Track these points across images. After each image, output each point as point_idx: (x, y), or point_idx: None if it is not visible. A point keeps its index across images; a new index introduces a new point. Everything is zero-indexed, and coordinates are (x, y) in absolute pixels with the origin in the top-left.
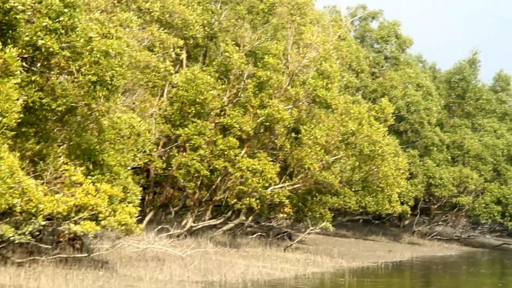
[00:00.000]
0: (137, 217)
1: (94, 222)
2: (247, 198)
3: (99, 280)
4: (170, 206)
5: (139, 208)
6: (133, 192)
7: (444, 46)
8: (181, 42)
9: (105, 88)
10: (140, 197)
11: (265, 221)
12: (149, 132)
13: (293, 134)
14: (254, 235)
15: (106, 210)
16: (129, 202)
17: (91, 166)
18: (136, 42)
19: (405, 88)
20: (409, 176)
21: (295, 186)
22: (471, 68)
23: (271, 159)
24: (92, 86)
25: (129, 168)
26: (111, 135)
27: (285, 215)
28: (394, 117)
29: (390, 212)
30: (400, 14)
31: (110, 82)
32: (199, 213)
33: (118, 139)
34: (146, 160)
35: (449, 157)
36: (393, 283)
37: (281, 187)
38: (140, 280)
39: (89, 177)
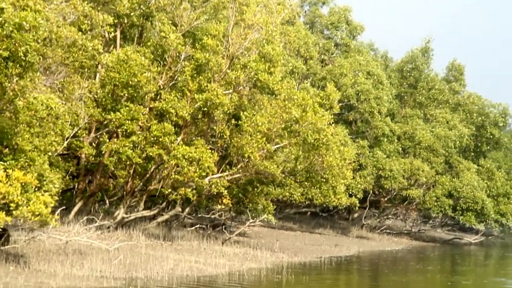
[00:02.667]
0: (65, 207)
1: (5, 212)
2: (183, 188)
3: (7, 276)
4: (104, 196)
5: (56, 198)
6: (50, 180)
7: (394, 34)
8: (110, 20)
9: (18, 65)
10: (57, 185)
11: (204, 213)
12: (77, 115)
13: (233, 121)
14: (193, 228)
15: (19, 199)
16: (45, 191)
17: (4, 151)
18: (61, 17)
19: (355, 76)
20: (358, 167)
21: (235, 176)
22: (424, 57)
23: (210, 147)
24: (4, 63)
25: (50, 154)
26: (26, 117)
27: (223, 207)
28: (344, 106)
29: (335, 204)
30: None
31: (23, 58)
32: (133, 203)
33: (35, 122)
34: (74, 146)
35: (400, 149)
36: (331, 280)
37: (220, 177)
38: (53, 276)
39: (1, 162)
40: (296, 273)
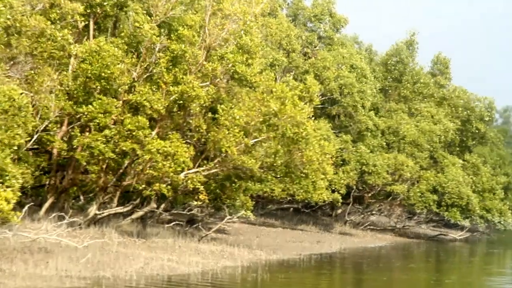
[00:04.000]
0: (37, 204)
1: None
2: (158, 184)
3: None
4: (79, 192)
5: (19, 193)
6: (12, 175)
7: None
8: (81, 9)
9: None
10: (20, 181)
11: (181, 209)
12: (47, 108)
13: (210, 114)
14: (171, 224)
15: None
16: (7, 187)
17: None
18: (28, 6)
19: (338, 70)
20: (341, 162)
21: (212, 171)
22: (409, 50)
23: (186, 141)
24: None
25: (17, 148)
26: None
27: (200, 203)
28: (327, 100)
29: (316, 200)
30: None
31: None
32: (106, 200)
33: None
34: (45, 141)
35: (384, 143)
36: (309, 279)
37: (196, 172)
38: (13, 276)
39: None
40: (272, 271)
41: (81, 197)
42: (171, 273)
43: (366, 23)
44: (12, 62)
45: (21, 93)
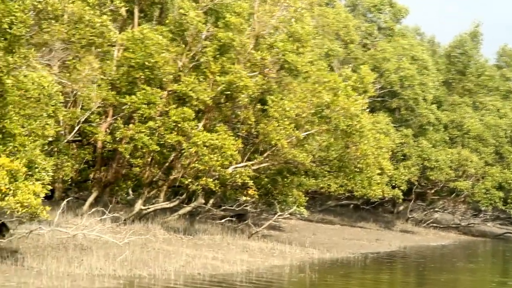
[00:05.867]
0: (78, 198)
1: None
2: (204, 178)
3: None
4: (128, 187)
5: (49, 187)
6: (42, 167)
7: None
8: None
9: (2, 38)
10: (51, 173)
11: (230, 205)
12: (89, 99)
13: (259, 106)
14: (221, 221)
15: (7, 189)
16: (37, 180)
17: None
18: None
19: (399, 61)
20: (402, 157)
21: (262, 165)
22: (473, 42)
23: (235, 134)
24: None
25: (51, 139)
26: (15, 97)
27: (248, 198)
28: (387, 93)
29: (371, 196)
30: None
31: (9, 30)
32: (155, 195)
33: (25, 102)
34: (88, 132)
35: (447, 138)
36: (357, 280)
37: (245, 166)
38: (40, 275)
39: None
40: (322, 271)
41: (131, 192)
42: (213, 272)
43: (429, 13)
44: (44, 49)
45: (52, 81)
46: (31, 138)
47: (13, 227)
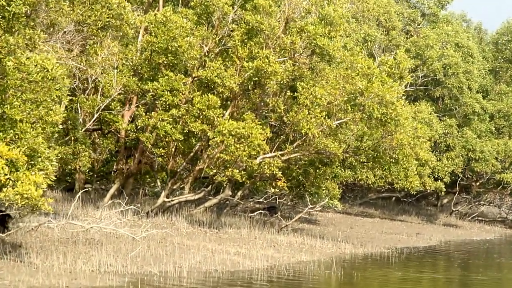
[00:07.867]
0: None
1: None
2: (230, 169)
3: None
4: (151, 178)
5: (53, 177)
6: (46, 157)
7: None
8: None
9: (0, 17)
10: (55, 163)
11: (260, 198)
12: (109, 85)
13: (289, 93)
14: (249, 214)
15: (6, 179)
16: (39, 169)
17: None
18: None
19: (443, 48)
20: (445, 148)
21: (292, 155)
22: None
23: (265, 122)
24: None
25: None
26: (17, 81)
27: (277, 190)
28: (430, 81)
29: (407, 188)
30: None
31: (6, 8)
32: (178, 186)
33: (27, 86)
34: (108, 120)
35: (493, 128)
36: (384, 277)
37: (273, 157)
38: (39, 272)
39: None
40: (350, 267)
41: (159, 183)
42: (232, 268)
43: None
44: (51, 30)
45: (57, 63)
46: (35, 125)
47: (18, 220)
